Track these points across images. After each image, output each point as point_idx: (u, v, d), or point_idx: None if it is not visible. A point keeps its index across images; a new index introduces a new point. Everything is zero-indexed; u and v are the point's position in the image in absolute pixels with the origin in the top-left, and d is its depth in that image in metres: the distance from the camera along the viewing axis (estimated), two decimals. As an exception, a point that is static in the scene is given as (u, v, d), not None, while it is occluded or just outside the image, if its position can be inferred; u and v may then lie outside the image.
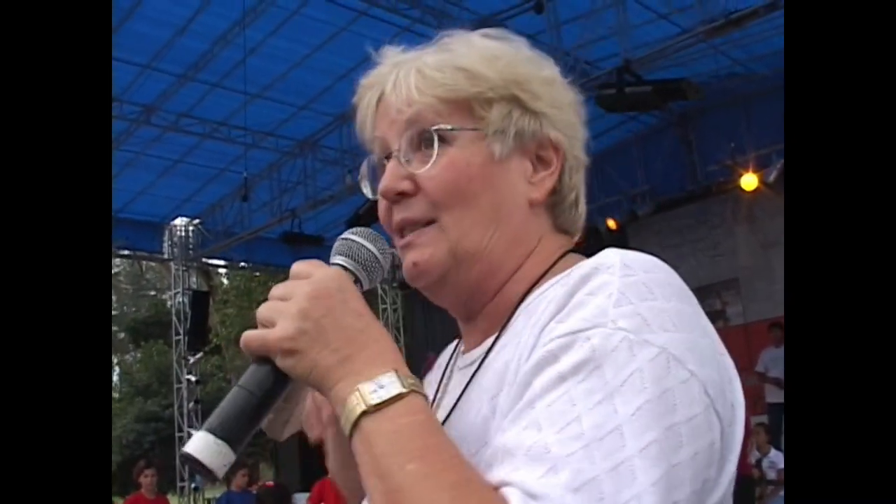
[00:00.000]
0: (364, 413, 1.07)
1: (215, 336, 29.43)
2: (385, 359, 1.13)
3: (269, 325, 1.15)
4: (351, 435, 1.08)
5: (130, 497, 11.36)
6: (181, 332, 18.01)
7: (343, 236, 1.27)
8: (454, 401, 1.29)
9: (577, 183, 1.39)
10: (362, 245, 1.26)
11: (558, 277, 1.26)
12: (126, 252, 18.05)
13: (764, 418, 12.50)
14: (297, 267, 1.20)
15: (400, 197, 1.31)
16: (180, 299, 18.25)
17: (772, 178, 13.02)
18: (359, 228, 1.29)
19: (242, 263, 19.30)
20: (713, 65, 12.54)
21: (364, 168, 1.42)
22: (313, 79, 12.91)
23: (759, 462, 11.31)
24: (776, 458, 11.32)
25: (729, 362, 1.17)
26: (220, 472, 1.11)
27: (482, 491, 1.01)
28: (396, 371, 1.11)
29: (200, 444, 1.10)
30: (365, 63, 1.39)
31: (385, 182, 1.31)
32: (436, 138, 1.28)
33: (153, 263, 25.45)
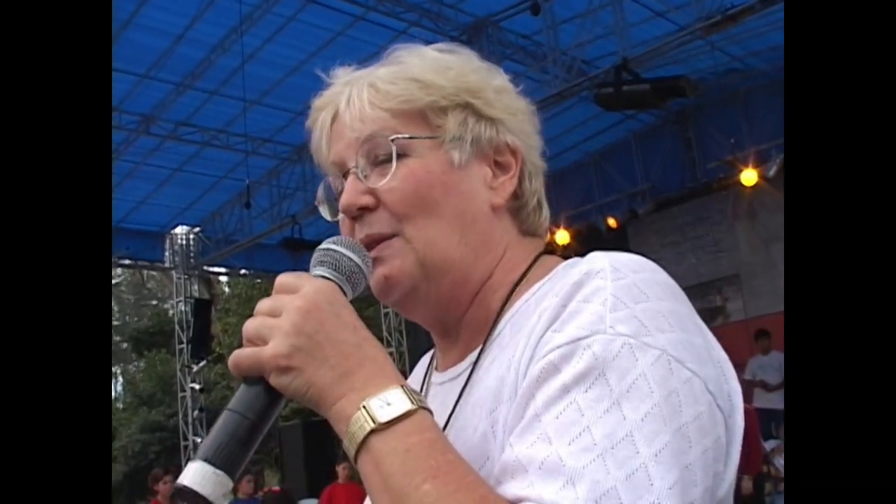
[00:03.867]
0: (373, 431, 1.04)
1: (218, 344, 29.40)
2: (386, 374, 1.11)
3: (259, 342, 1.12)
4: (357, 454, 1.06)
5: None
6: (184, 340, 17.99)
7: (323, 246, 1.24)
8: (445, 417, 1.26)
9: (538, 187, 1.38)
10: (344, 255, 1.22)
11: (541, 283, 1.26)
12: (127, 262, 18.06)
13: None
14: (283, 280, 1.17)
15: (361, 212, 1.28)
16: (182, 308, 18.24)
17: (772, 173, 13.03)
18: (339, 238, 1.26)
19: (243, 270, 19.32)
20: (711, 61, 12.55)
21: (320, 191, 1.41)
22: (311, 84, 12.62)
23: (768, 458, 11.31)
24: None
25: (722, 354, 1.16)
26: (221, 503, 1.06)
27: None
28: (403, 387, 1.09)
29: (198, 475, 1.05)
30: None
31: (345, 199, 1.29)
32: (394, 150, 1.26)
33: (154, 273, 25.41)
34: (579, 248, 14.60)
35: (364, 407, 1.06)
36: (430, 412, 1.09)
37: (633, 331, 1.05)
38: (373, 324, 17.68)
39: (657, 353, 1.04)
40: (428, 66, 1.31)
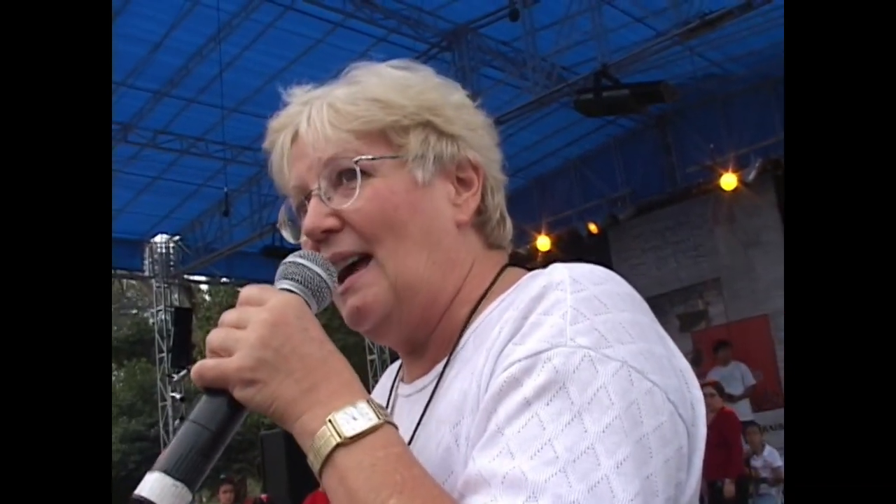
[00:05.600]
0: (339, 445, 1.04)
1: (199, 353, 29.31)
2: (351, 389, 1.11)
3: (224, 353, 1.11)
4: (322, 468, 1.05)
5: None
6: (164, 349, 17.93)
7: (288, 260, 1.24)
8: (410, 431, 1.26)
9: (500, 201, 1.39)
10: (310, 269, 1.22)
11: (504, 295, 1.26)
12: (106, 271, 17.99)
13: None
14: (248, 292, 1.16)
15: (326, 235, 1.28)
16: (163, 317, 18.17)
17: (751, 177, 13.13)
18: (305, 252, 1.26)
19: (224, 279, 19.29)
20: (690, 66, 12.63)
21: (282, 214, 1.41)
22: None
23: (748, 460, 11.36)
24: (770, 456, 11.39)
25: (684, 363, 1.17)
26: None
27: None
28: (368, 401, 1.09)
29: (157, 486, 1.04)
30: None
31: (309, 221, 1.29)
32: (358, 171, 1.26)
33: (133, 281, 25.31)
34: (560, 253, 14.66)
35: (330, 421, 1.06)
36: (396, 427, 1.09)
37: (594, 343, 1.05)
38: (353, 330, 17.61)
39: (617, 365, 1.05)
40: (388, 86, 1.30)
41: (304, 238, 1.31)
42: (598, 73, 10.41)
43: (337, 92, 1.31)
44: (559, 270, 1.15)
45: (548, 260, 1.34)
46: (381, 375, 1.31)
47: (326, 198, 1.28)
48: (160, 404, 18.14)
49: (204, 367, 1.12)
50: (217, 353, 1.12)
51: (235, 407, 1.10)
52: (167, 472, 1.05)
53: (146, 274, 18.32)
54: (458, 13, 11.96)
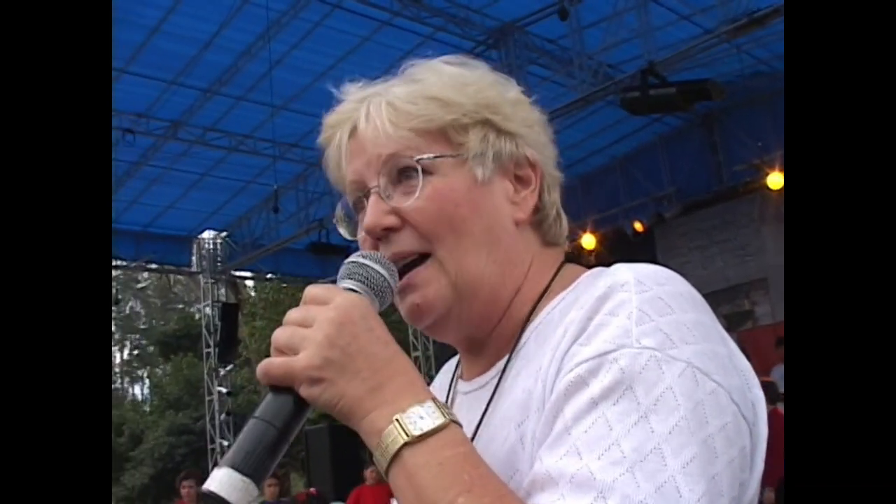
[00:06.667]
0: (406, 444, 1.05)
1: (245, 349, 29.50)
2: (417, 388, 1.11)
3: (289, 352, 1.12)
4: (389, 467, 1.06)
5: None
6: (211, 344, 18.09)
7: (351, 259, 1.24)
8: (472, 428, 1.26)
9: (556, 199, 1.39)
10: (373, 269, 1.22)
11: (564, 293, 1.27)
12: (154, 266, 18.20)
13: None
14: (313, 291, 1.17)
15: (386, 233, 1.28)
16: (209, 312, 18.35)
17: (799, 176, 12.93)
18: (367, 252, 1.26)
19: (270, 275, 19.39)
20: (737, 64, 12.49)
21: (339, 210, 1.41)
22: (338, 89, 12.87)
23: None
24: None
25: (745, 363, 1.17)
26: None
27: None
28: (434, 401, 1.09)
29: (225, 481, 1.05)
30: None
31: (369, 219, 1.28)
32: (419, 170, 1.26)
33: (181, 277, 25.56)
34: (606, 252, 14.59)
35: (397, 420, 1.06)
36: (461, 426, 1.10)
37: (659, 343, 1.06)
38: (399, 328, 17.66)
39: (683, 366, 1.05)
40: (446, 84, 1.30)
41: (361, 235, 1.32)
42: (645, 70, 10.34)
43: (395, 90, 1.31)
44: (623, 271, 1.15)
45: (596, 258, 1.34)
46: (424, 372, 1.31)
47: (386, 195, 1.28)
48: (206, 398, 18.30)
49: (271, 365, 1.12)
50: (283, 352, 1.12)
51: (301, 404, 1.11)
52: (235, 467, 1.06)
53: (194, 269, 18.52)
54: (504, 11, 11.95)
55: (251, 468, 1.07)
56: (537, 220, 1.36)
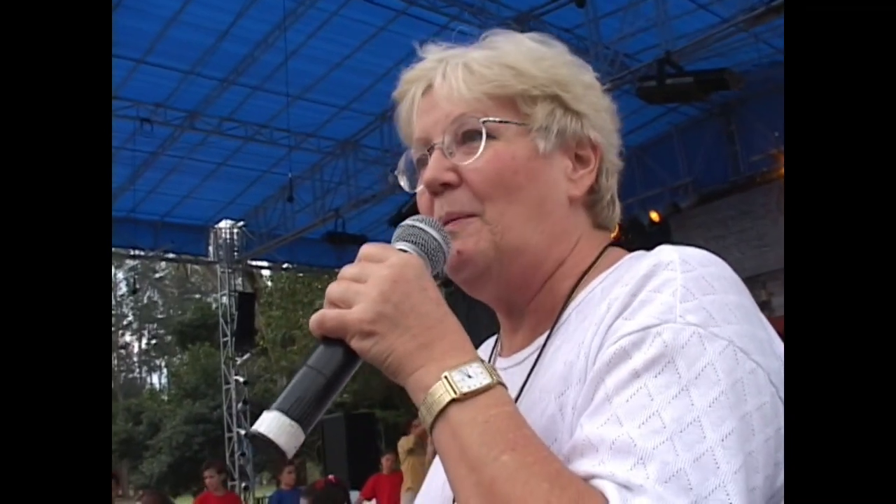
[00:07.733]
0: (453, 401, 1.06)
1: (261, 338, 29.60)
2: (465, 349, 1.13)
3: (343, 305, 1.14)
4: (435, 422, 1.08)
5: (199, 497, 11.47)
6: (228, 333, 18.19)
7: (406, 223, 1.27)
8: (514, 399, 1.26)
9: (613, 185, 1.44)
10: (428, 233, 1.25)
11: (607, 273, 1.29)
12: (171, 256, 18.30)
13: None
14: (369, 249, 1.19)
15: (443, 188, 1.31)
16: (226, 301, 18.43)
17: (816, 166, 12.86)
18: (422, 217, 1.29)
19: (286, 264, 19.47)
20: (754, 54, 12.43)
21: (402, 162, 1.44)
22: (354, 79, 12.98)
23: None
24: None
25: (782, 348, 1.18)
26: (291, 453, 1.08)
27: (576, 482, 1.01)
28: (481, 362, 1.11)
29: (273, 424, 1.07)
30: (405, 62, 1.40)
31: (430, 173, 1.31)
32: (483, 132, 1.29)
33: (198, 266, 25.69)
34: (622, 241, 14.49)
35: (445, 377, 1.08)
36: (507, 388, 1.12)
37: (702, 321, 1.08)
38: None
39: (724, 344, 1.07)
40: (523, 55, 1.33)
41: (420, 188, 1.35)
42: (662, 60, 10.31)
43: (473, 54, 1.34)
44: (668, 251, 1.18)
45: (630, 247, 1.36)
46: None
47: (448, 153, 1.31)
48: (224, 387, 18.41)
49: (325, 316, 1.14)
50: (336, 305, 1.14)
51: (351, 356, 1.13)
52: (284, 411, 1.08)
53: (211, 259, 18.60)
54: (521, 0, 11.94)
55: (299, 413, 1.08)
56: (591, 200, 1.40)
